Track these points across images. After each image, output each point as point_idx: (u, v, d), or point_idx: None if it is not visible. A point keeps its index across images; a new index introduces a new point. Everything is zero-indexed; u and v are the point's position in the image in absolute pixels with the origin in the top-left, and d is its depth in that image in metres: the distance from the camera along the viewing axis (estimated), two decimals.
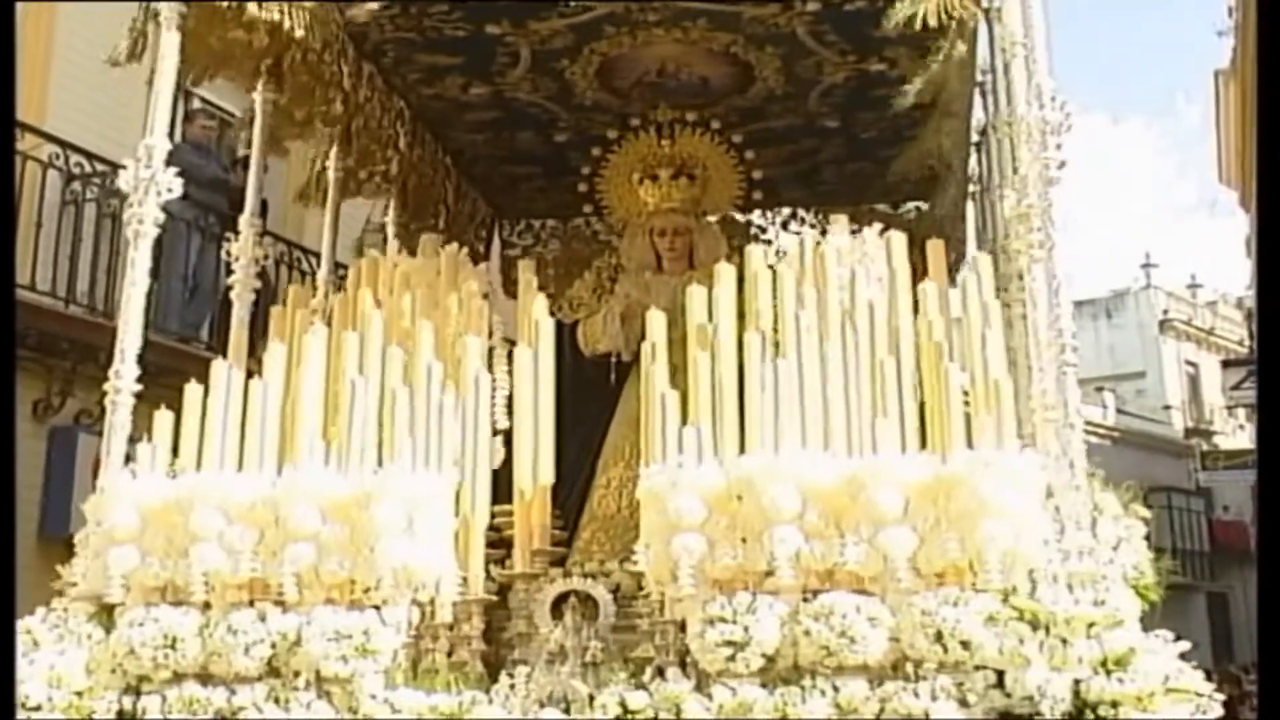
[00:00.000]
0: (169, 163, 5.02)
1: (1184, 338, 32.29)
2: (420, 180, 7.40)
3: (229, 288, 6.00)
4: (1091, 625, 3.79)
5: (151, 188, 4.96)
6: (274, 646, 4.22)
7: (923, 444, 4.38)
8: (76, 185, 8.84)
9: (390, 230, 7.36)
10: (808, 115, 7.12)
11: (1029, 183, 5.25)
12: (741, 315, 4.97)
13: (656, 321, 5.12)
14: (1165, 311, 31.63)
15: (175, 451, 4.70)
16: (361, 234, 7.41)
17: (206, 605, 4.36)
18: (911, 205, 8.05)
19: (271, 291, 6.77)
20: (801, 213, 8.06)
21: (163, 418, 4.73)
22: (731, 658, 3.95)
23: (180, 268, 9.16)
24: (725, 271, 5.08)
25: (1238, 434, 28.65)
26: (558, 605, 4.65)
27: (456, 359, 5.02)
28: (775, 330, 4.84)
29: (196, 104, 9.47)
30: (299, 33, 5.56)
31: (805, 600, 4.05)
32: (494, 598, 4.63)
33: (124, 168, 5.00)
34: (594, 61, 6.60)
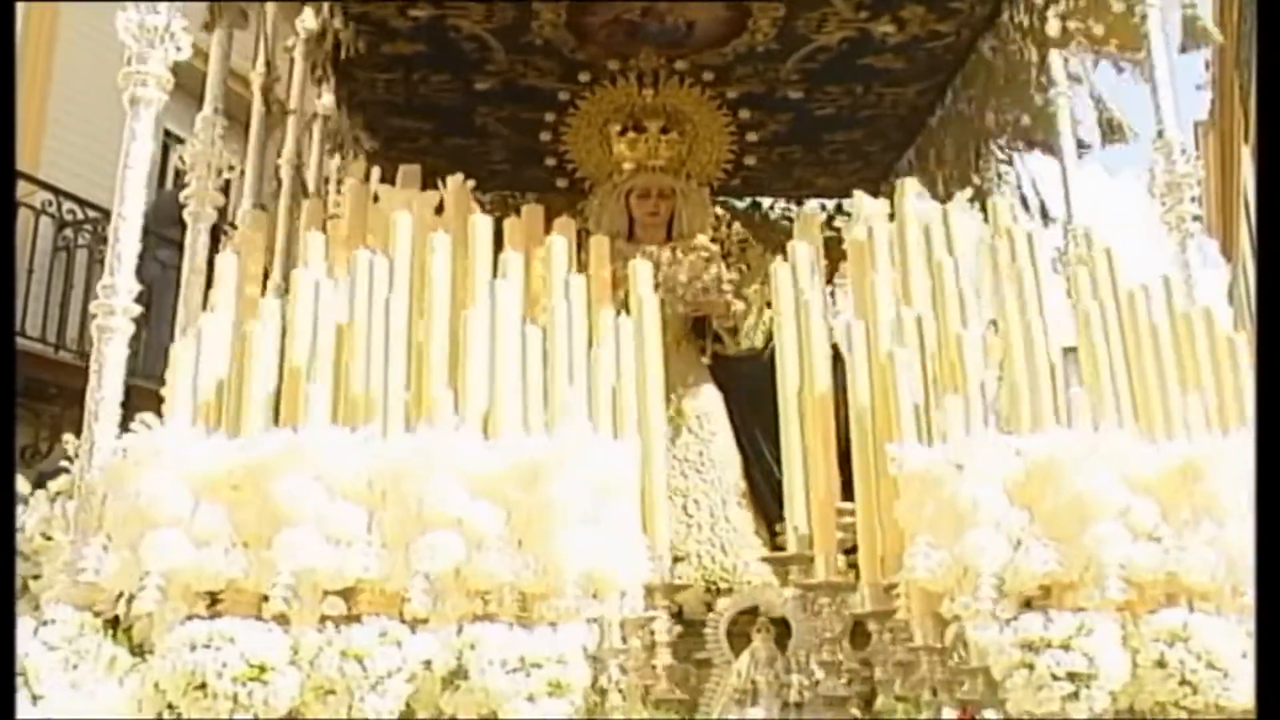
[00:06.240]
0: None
1: None
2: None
3: None
4: None
5: (160, 41, 3.55)
6: (412, 679, 2.90)
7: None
8: (68, 232, 9.02)
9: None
10: (773, 82, 6.40)
11: (1173, 146, 4.69)
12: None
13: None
14: None
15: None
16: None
17: (279, 618, 2.98)
18: (816, 203, 7.48)
19: None
20: None
21: (186, 346, 3.31)
22: (1074, 695, 2.96)
23: (170, 315, 8.35)
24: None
25: None
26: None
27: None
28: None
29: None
30: None
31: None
32: (659, 615, 3.43)
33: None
34: None
